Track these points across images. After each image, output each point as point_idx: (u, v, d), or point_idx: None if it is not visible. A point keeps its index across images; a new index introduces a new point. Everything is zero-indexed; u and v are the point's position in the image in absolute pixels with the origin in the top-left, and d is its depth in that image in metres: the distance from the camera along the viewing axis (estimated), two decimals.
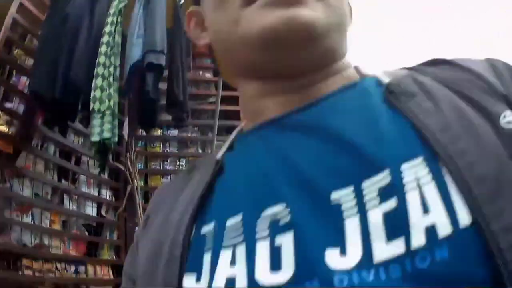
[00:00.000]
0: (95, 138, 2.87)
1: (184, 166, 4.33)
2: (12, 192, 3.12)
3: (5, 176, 3.08)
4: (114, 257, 4.04)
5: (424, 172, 0.49)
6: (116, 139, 2.99)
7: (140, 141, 4.35)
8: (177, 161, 4.36)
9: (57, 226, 3.52)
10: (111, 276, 3.91)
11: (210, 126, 4.38)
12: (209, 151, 4.26)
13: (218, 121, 4.23)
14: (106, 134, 2.86)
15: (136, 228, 3.77)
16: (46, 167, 3.46)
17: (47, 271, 3.23)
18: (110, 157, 3.98)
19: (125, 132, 3.91)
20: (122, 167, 3.99)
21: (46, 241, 3.35)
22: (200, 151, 4.48)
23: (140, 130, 4.22)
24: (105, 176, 4.00)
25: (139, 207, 3.95)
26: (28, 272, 3.09)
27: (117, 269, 3.97)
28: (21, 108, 3.30)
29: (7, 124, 3.12)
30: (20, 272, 3.03)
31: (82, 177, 3.85)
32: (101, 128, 2.88)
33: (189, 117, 3.86)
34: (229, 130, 4.42)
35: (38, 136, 3.38)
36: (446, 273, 0.43)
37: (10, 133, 3.13)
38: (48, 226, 3.41)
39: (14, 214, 3.16)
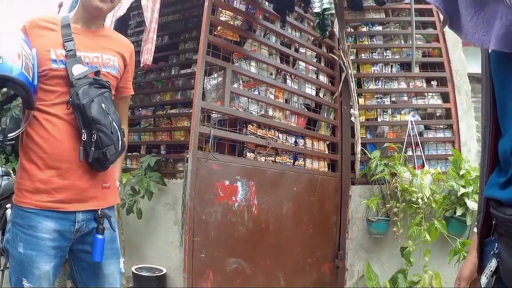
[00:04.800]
0: (317, 9, 3.33)
1: (390, 56, 4.50)
2: (240, 69, 3.73)
3: (234, 57, 3.81)
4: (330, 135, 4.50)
5: None
6: (334, 11, 3.43)
7: (350, 37, 4.66)
8: (384, 52, 4.56)
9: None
10: (326, 152, 4.43)
11: (408, 21, 4.51)
12: (410, 43, 4.35)
13: (414, 18, 4.34)
14: (326, 5, 3.31)
15: (351, 110, 4.20)
16: (269, 53, 4.07)
17: (269, 138, 3.76)
18: (325, 49, 4.47)
19: (336, 29, 4.30)
20: (336, 57, 4.41)
21: (270, 113, 3.92)
22: (402, 42, 4.63)
23: (349, 27, 4.57)
24: (322, 64, 4.48)
25: (353, 92, 4.35)
26: (252, 137, 3.70)
27: (332, 147, 4.50)
28: (243, 7, 3.90)
29: (232, 18, 3.79)
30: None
31: (301, 65, 4.35)
32: (321, 2, 3.34)
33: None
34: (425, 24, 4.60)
35: (261, 28, 4.01)
36: None
37: (235, 24, 3.79)
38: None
39: (242, 88, 3.81)
